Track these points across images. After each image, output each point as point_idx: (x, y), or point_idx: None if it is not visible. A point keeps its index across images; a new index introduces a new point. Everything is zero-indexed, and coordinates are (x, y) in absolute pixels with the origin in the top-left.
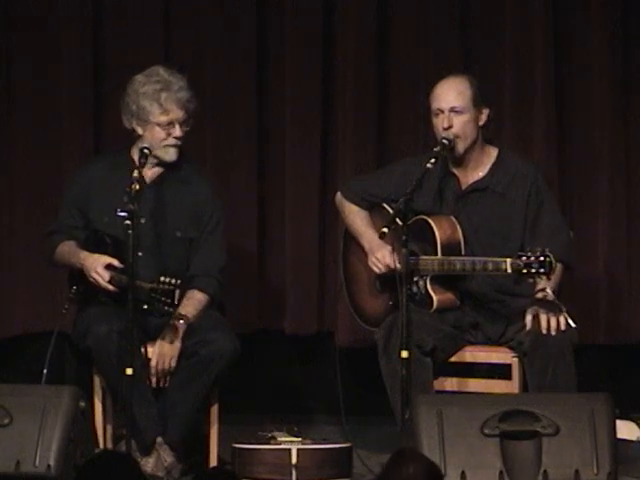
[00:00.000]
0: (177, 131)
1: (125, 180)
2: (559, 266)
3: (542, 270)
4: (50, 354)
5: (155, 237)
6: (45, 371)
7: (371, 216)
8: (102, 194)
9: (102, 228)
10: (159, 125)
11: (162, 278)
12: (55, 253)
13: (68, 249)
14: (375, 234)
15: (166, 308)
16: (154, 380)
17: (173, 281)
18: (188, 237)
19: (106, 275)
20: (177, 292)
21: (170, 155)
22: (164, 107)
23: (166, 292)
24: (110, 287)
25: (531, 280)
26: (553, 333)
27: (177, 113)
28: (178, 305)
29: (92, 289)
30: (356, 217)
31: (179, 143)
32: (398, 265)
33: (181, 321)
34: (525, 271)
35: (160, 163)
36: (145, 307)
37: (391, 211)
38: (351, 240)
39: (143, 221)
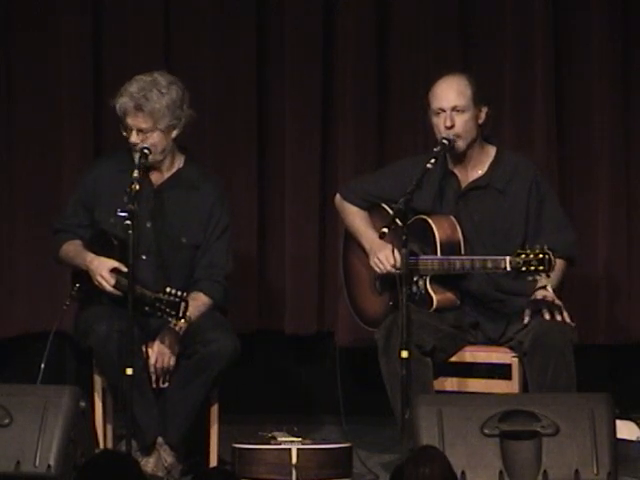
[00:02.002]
0: (133, 136)
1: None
2: (562, 262)
3: (541, 267)
4: (48, 351)
5: (160, 242)
6: (43, 366)
7: (371, 216)
8: (109, 194)
9: (108, 229)
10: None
11: (168, 289)
12: (60, 252)
13: (73, 249)
14: (375, 234)
15: (169, 319)
16: (154, 379)
17: (179, 293)
18: (193, 243)
19: (111, 279)
20: (182, 305)
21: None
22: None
23: (171, 304)
24: (115, 291)
25: (530, 278)
26: (558, 318)
27: (130, 116)
28: (183, 317)
29: (95, 289)
30: (356, 217)
31: (138, 147)
32: (398, 265)
33: (182, 321)
34: (524, 269)
35: (164, 168)
36: (147, 309)
37: (391, 211)
38: (351, 240)
39: (148, 225)
